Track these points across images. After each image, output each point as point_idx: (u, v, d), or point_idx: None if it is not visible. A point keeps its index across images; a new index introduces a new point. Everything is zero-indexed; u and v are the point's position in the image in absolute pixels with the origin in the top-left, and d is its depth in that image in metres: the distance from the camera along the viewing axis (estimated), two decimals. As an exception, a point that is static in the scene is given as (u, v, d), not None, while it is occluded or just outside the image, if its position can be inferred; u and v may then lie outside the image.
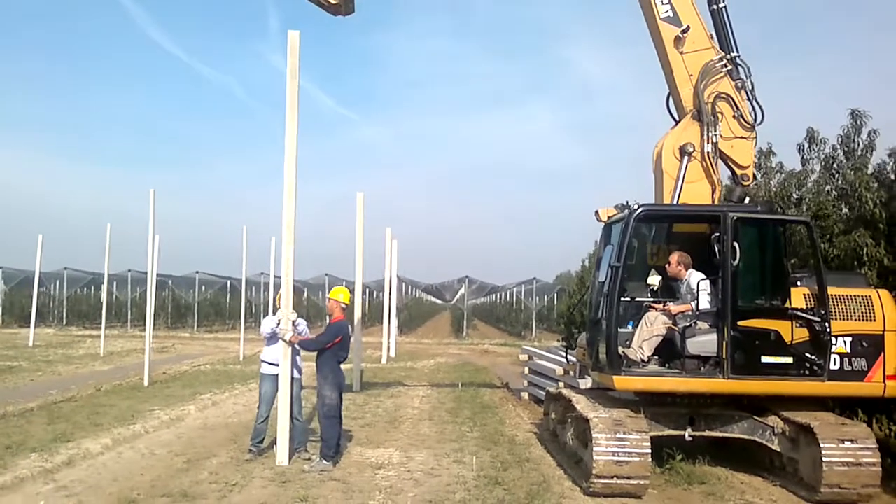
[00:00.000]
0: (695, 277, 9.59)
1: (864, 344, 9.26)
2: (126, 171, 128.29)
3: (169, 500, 8.04)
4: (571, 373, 12.97)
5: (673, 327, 9.41)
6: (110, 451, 10.31)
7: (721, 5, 10.56)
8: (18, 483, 8.52)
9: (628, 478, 8.48)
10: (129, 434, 11.42)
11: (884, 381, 9.18)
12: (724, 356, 9.06)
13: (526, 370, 17.40)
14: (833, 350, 9.16)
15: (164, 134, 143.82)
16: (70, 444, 10.47)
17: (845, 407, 9.78)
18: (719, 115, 10.27)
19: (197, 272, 48.90)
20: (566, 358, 12.43)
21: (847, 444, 8.42)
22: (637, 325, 9.58)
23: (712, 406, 9.57)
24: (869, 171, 11.53)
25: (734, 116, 10.37)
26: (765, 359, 9.14)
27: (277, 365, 9.96)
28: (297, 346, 9.94)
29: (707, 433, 9.54)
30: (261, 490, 8.48)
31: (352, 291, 20.49)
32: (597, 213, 10.77)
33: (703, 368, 9.27)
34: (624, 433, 8.62)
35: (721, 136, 10.23)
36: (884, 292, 9.54)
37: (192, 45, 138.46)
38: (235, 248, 26.39)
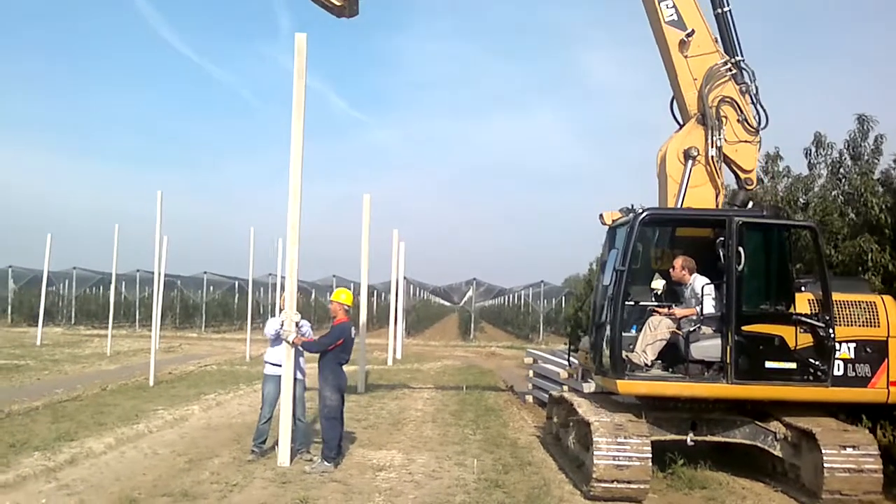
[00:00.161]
0: (699, 282, 9.57)
1: (868, 350, 9.25)
2: (136, 172, 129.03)
3: (170, 499, 8.06)
4: (574, 376, 12.95)
5: (677, 331, 9.40)
6: (113, 451, 10.34)
7: (725, 9, 10.54)
8: (21, 481, 8.54)
9: (629, 482, 8.46)
10: (133, 433, 11.45)
11: (887, 388, 9.19)
12: (727, 361, 9.04)
13: (531, 373, 17.38)
14: (837, 356, 9.14)
15: (174, 134, 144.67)
16: (73, 443, 10.50)
17: (850, 413, 9.73)
18: (723, 119, 10.26)
19: (205, 272, 49.06)
20: (569, 361, 12.38)
21: (849, 450, 8.40)
22: (641, 330, 9.55)
23: (714, 411, 9.55)
24: (875, 177, 11.49)
25: (738, 120, 10.35)
26: (769, 364, 9.13)
27: (281, 366, 9.98)
28: (300, 347, 9.96)
29: (709, 438, 9.51)
30: (261, 490, 8.49)
31: (358, 293, 20.59)
32: (601, 216, 10.74)
33: (706, 373, 9.26)
34: (625, 437, 8.61)
35: (725, 140, 10.22)
36: (888, 298, 9.52)
37: (203, 46, 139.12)
38: (243, 248, 26.43)
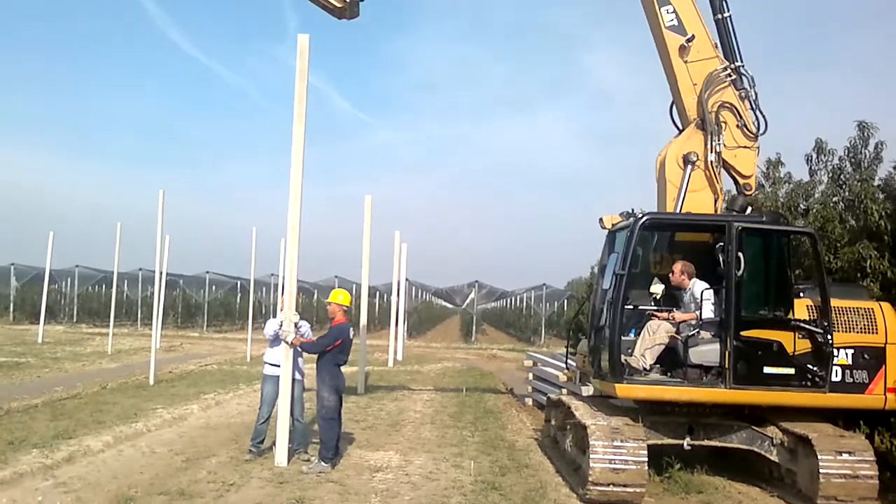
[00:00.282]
0: (698, 287, 9.58)
1: (866, 356, 9.29)
2: (140, 171, 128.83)
3: (166, 498, 8.08)
4: (573, 379, 12.96)
5: (676, 336, 9.41)
6: (111, 449, 10.37)
7: (726, 15, 10.57)
8: (18, 479, 8.57)
9: (624, 485, 8.48)
10: (131, 432, 11.47)
11: (885, 394, 9.22)
12: (726, 366, 9.06)
13: (530, 376, 17.42)
14: (835, 362, 9.17)
15: (179, 134, 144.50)
16: (71, 440, 10.52)
17: (847, 419, 9.74)
18: (723, 125, 10.29)
19: (207, 272, 49.10)
20: (566, 365, 12.39)
21: (845, 455, 8.41)
22: (639, 334, 9.57)
23: (711, 415, 9.56)
24: (875, 183, 11.50)
25: (738, 126, 10.38)
26: (767, 369, 9.15)
27: (280, 366, 10.00)
28: (298, 348, 9.98)
29: (706, 442, 9.53)
30: (258, 490, 8.51)
31: (359, 294, 20.63)
32: (601, 220, 10.74)
33: (705, 378, 9.27)
34: (621, 441, 8.63)
35: (724, 146, 10.25)
36: (886, 305, 9.55)
37: (210, 47, 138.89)
38: (246, 248, 26.45)
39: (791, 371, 9.13)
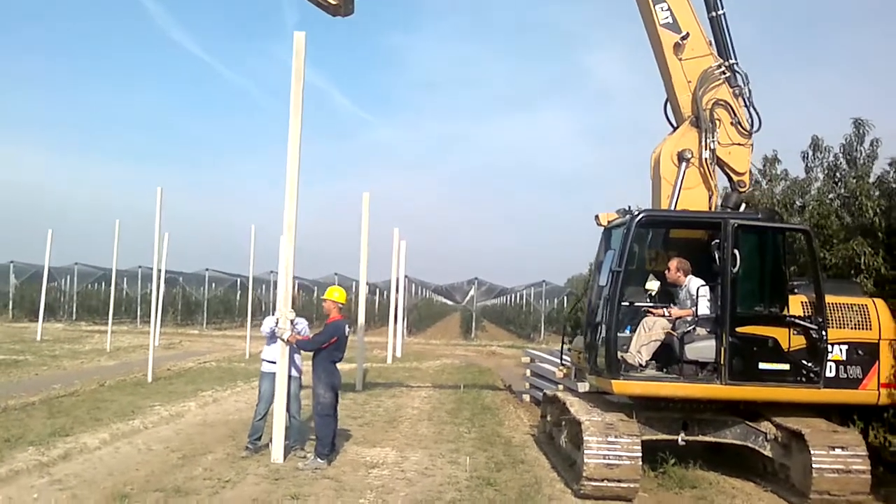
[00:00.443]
0: (694, 283, 9.61)
1: (860, 352, 9.35)
2: (139, 168, 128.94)
3: (162, 495, 8.10)
4: (569, 376, 12.98)
5: (671, 332, 9.44)
6: (107, 446, 10.39)
7: (720, 12, 10.58)
8: (13, 476, 8.60)
9: (618, 481, 8.51)
10: (128, 429, 11.50)
11: (878, 389, 9.28)
12: (721, 362, 9.09)
13: (528, 372, 17.44)
14: (829, 358, 9.21)
15: (179, 131, 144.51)
16: (68, 438, 10.57)
17: (842, 415, 9.77)
18: (717, 122, 10.31)
19: (207, 269, 49.11)
20: (561, 360, 12.42)
21: (837, 451, 8.45)
22: (635, 330, 9.60)
23: (706, 411, 9.59)
24: (870, 180, 11.51)
25: (732, 123, 10.40)
26: (762, 365, 9.19)
27: (277, 363, 10.03)
28: (294, 345, 10.01)
29: (700, 438, 9.55)
30: (253, 487, 8.55)
31: (357, 291, 20.62)
32: (597, 217, 10.76)
33: (700, 374, 9.31)
34: (615, 436, 8.65)
35: (719, 143, 10.26)
36: (879, 301, 9.60)
37: (209, 44, 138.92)
38: (246, 245, 26.43)
39: (786, 367, 9.17)
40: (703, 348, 9.30)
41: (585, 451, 8.58)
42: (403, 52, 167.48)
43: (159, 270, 19.99)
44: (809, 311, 9.36)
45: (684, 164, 10.24)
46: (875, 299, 9.67)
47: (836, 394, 9.24)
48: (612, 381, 9.23)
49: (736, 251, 9.21)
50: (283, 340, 9.88)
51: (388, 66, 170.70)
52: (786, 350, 9.20)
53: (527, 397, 16.82)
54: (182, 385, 17.13)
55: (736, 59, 10.55)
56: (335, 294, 10.10)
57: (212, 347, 29.58)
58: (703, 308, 9.43)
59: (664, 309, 9.78)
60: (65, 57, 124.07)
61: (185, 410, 13.54)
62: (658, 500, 8.87)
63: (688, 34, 10.36)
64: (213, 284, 50.23)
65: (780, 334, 9.25)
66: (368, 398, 15.87)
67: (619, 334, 9.46)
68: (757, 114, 10.53)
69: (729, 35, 10.60)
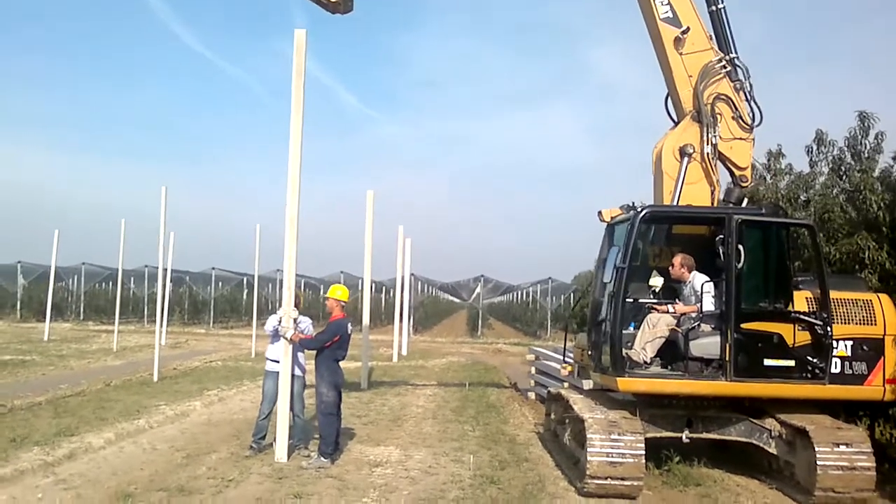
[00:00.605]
0: (698, 279, 9.56)
1: (865, 348, 9.28)
2: (146, 167, 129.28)
3: (165, 494, 8.10)
4: (573, 373, 12.95)
5: (676, 329, 9.40)
6: (112, 446, 10.41)
7: (720, 6, 10.55)
8: (18, 475, 8.62)
9: (622, 478, 8.48)
10: (133, 429, 11.51)
11: (883, 385, 9.21)
12: (727, 358, 9.04)
13: (533, 370, 17.42)
14: (834, 353, 9.15)
15: (185, 130, 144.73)
16: (73, 437, 10.57)
17: (847, 411, 9.73)
18: (718, 117, 10.28)
19: (213, 268, 49.20)
20: (564, 358, 12.39)
21: (842, 447, 8.39)
22: (638, 327, 9.56)
23: (710, 408, 9.55)
24: (875, 174, 11.46)
25: (733, 118, 10.37)
26: (767, 361, 9.16)
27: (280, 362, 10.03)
28: (297, 343, 10.00)
29: (704, 435, 9.52)
30: (257, 486, 8.54)
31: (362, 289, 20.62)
32: (600, 213, 10.73)
33: (705, 371, 9.26)
34: (619, 434, 8.62)
35: (720, 138, 10.23)
36: (884, 296, 9.54)
37: (212, 41, 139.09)
38: (252, 244, 26.48)
39: (791, 363, 9.14)
40: (707, 345, 9.25)
41: (589, 449, 8.55)
42: (407, 49, 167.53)
43: (165, 270, 20.00)
44: (814, 306, 9.29)
45: (686, 159, 10.21)
46: (880, 294, 9.61)
47: (841, 390, 9.19)
48: (617, 378, 9.19)
49: (740, 247, 9.16)
50: (286, 339, 9.87)
51: (392, 63, 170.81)
52: (791, 346, 9.15)
53: (532, 395, 16.81)
54: (188, 384, 17.15)
55: (736, 53, 10.52)
56: (338, 292, 10.10)
57: (218, 346, 29.64)
58: (708, 304, 9.36)
59: (668, 305, 9.73)
60: (65, 55, 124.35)
61: (190, 410, 13.56)
62: (662, 497, 8.84)
63: (688, 28, 10.33)
64: (220, 283, 50.35)
65: (784, 330, 9.20)
66: (373, 396, 15.87)
67: (623, 331, 9.42)
68: (758, 108, 10.51)
69: (729, 29, 10.58)
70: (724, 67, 10.41)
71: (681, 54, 10.38)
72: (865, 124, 11.67)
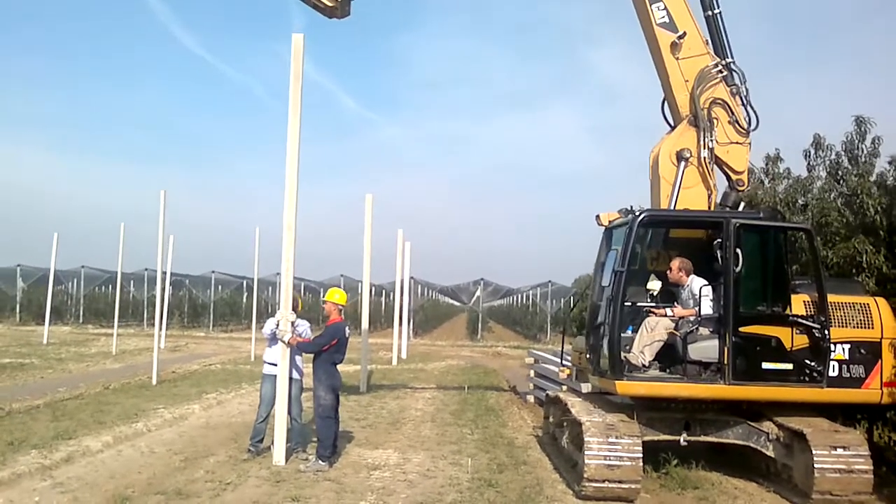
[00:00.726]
0: (697, 283, 9.58)
1: (862, 351, 9.34)
2: (145, 170, 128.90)
3: (163, 497, 8.12)
4: (571, 376, 12.95)
5: (674, 332, 9.42)
6: (110, 449, 10.43)
7: (716, 11, 10.61)
8: (16, 479, 8.63)
9: (619, 482, 8.48)
10: (131, 432, 11.53)
11: (881, 388, 9.25)
12: (725, 362, 9.06)
13: (532, 373, 17.42)
14: (832, 357, 9.18)
15: (184, 133, 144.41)
16: (71, 441, 10.59)
17: (845, 414, 9.74)
18: (715, 121, 10.32)
19: (213, 272, 49.19)
20: (561, 362, 12.39)
21: (839, 451, 8.41)
22: (636, 331, 9.58)
23: (708, 411, 9.57)
24: (872, 178, 11.49)
25: (730, 122, 10.41)
26: (765, 365, 9.18)
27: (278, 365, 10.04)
28: (296, 347, 10.01)
29: (702, 438, 9.52)
30: (254, 489, 8.55)
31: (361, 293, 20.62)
32: (598, 217, 10.76)
33: (703, 374, 9.27)
34: (616, 437, 8.63)
35: (717, 142, 10.27)
36: (881, 300, 9.59)
37: (213, 44, 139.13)
38: (252, 248, 26.47)
39: (789, 366, 9.16)
40: (706, 348, 9.27)
41: (586, 452, 8.56)
42: (407, 51, 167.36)
43: (164, 273, 20.01)
44: (812, 310, 9.33)
45: (683, 163, 10.24)
46: (877, 298, 9.66)
47: (839, 393, 9.23)
48: (616, 381, 9.21)
49: (738, 251, 9.18)
50: (283, 342, 9.89)
51: (392, 65, 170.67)
52: (789, 349, 9.18)
53: (531, 398, 16.81)
54: (186, 387, 17.16)
55: (732, 57, 10.57)
56: (335, 296, 10.11)
57: (217, 350, 29.66)
58: (706, 308, 9.40)
59: (666, 309, 9.74)
60: (65, 56, 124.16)
61: (188, 413, 13.57)
62: (660, 500, 8.85)
63: (684, 33, 10.36)
64: (220, 287, 50.35)
65: (782, 334, 9.23)
66: (372, 400, 15.88)
67: (621, 335, 9.43)
68: (754, 112, 10.57)
69: (725, 34, 10.64)
70: (721, 72, 10.45)
71: (677, 59, 10.42)
72: (862, 129, 11.72)
